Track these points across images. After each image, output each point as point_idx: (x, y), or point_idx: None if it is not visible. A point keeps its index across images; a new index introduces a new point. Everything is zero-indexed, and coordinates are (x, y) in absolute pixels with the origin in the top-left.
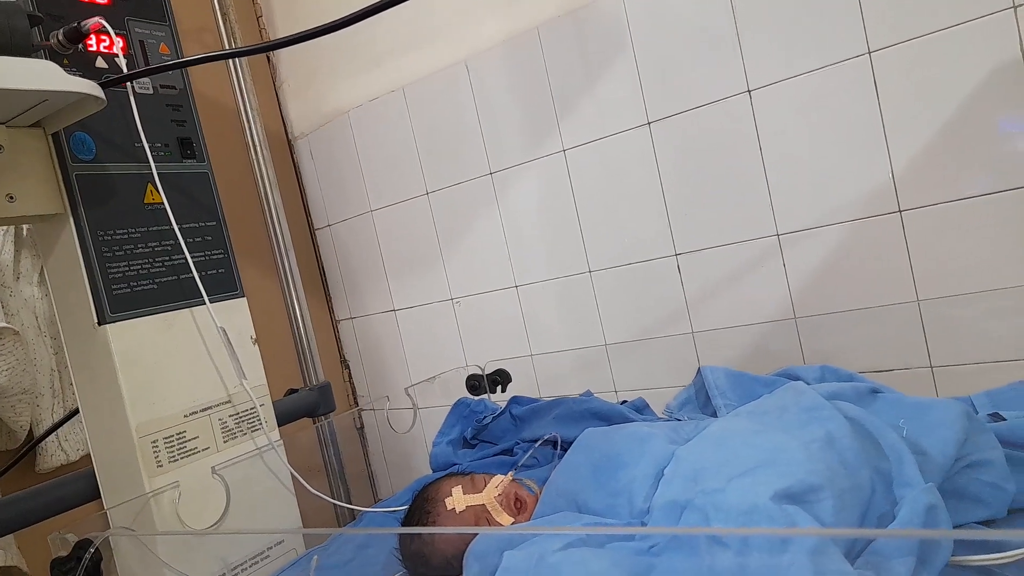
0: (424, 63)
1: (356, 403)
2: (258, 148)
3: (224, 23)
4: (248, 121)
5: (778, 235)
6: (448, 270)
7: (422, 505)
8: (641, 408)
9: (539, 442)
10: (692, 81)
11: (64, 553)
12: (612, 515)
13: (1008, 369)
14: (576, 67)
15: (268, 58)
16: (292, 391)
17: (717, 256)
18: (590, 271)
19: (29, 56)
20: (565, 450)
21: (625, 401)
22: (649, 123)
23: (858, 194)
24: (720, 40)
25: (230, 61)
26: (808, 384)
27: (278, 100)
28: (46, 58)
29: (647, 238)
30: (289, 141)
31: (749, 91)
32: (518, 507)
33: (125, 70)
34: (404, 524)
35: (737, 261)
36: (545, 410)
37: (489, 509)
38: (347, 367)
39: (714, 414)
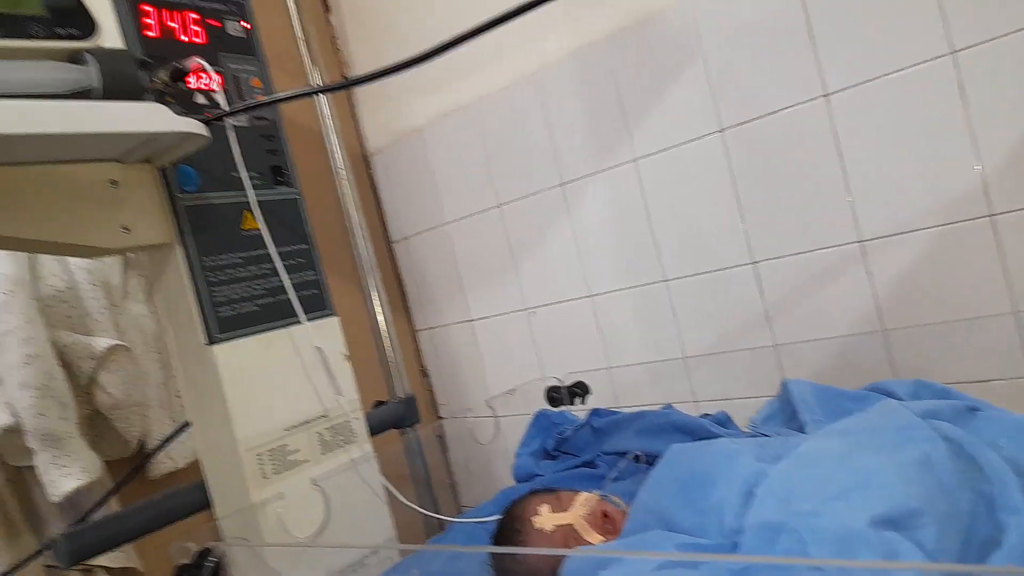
0: (493, 79)
1: (436, 411)
2: (340, 168)
3: (307, 50)
4: (331, 143)
5: (861, 242)
6: (521, 281)
7: (511, 523)
8: (724, 422)
9: (627, 457)
10: (766, 87)
11: (186, 561)
12: (701, 533)
13: None
14: (645, 77)
15: (344, 77)
16: (379, 403)
17: (797, 263)
18: (665, 280)
19: (140, 99)
20: (648, 464)
21: (707, 414)
22: (722, 130)
23: (945, 198)
24: (794, 44)
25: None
26: (901, 400)
27: (354, 119)
28: (153, 99)
29: (723, 246)
30: (365, 158)
31: (826, 95)
32: (606, 525)
33: (223, 104)
34: (494, 541)
35: (818, 268)
36: (626, 423)
37: (577, 529)
38: (426, 376)
39: (800, 429)
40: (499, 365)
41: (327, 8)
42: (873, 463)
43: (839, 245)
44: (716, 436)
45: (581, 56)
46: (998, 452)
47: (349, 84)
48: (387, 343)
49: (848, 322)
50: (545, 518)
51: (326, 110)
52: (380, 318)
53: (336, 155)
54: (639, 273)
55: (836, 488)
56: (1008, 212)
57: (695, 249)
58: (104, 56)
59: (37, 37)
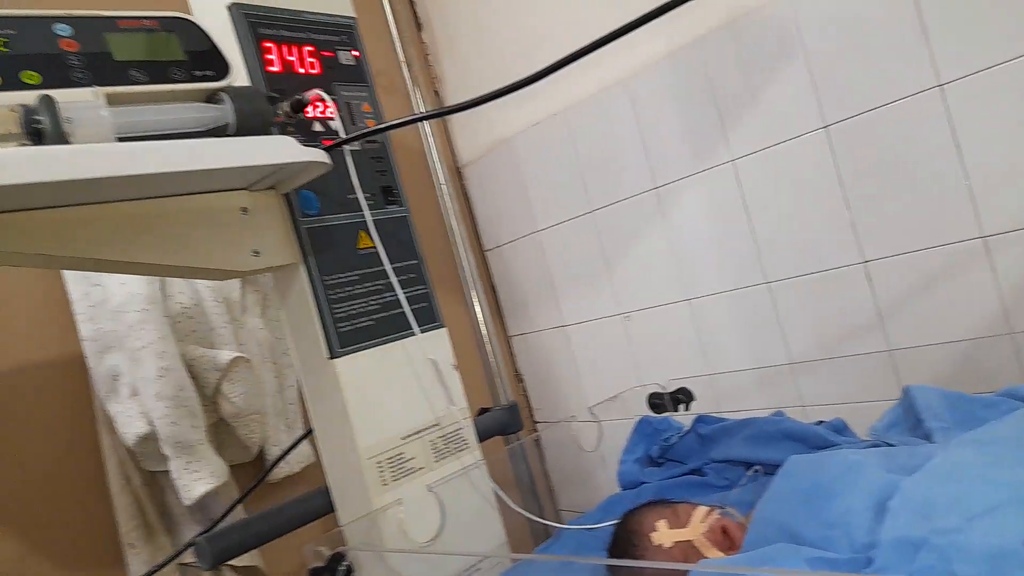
0: (584, 86)
1: (532, 416)
2: (442, 182)
3: (408, 71)
4: (432, 158)
5: (983, 237)
6: (615, 286)
7: (628, 537)
8: (840, 429)
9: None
10: (873, 79)
11: (320, 564)
12: (829, 547)
13: None
14: (741, 75)
15: (436, 92)
16: (484, 410)
17: (912, 262)
18: (767, 282)
19: (268, 132)
20: (759, 472)
21: (821, 421)
22: (826, 126)
23: None
24: (903, 34)
25: (411, 102)
26: None
27: (446, 133)
28: (277, 130)
29: (830, 245)
30: (458, 169)
31: (940, 85)
32: (726, 541)
33: (340, 130)
34: (611, 554)
35: (936, 267)
36: (735, 430)
37: (697, 545)
38: (521, 381)
39: (926, 437)
40: (594, 370)
41: (419, 26)
42: (1020, 477)
43: (959, 241)
44: (833, 444)
45: (674, 59)
46: None
47: (458, 108)
48: (489, 350)
49: (969, 324)
50: (663, 534)
51: (427, 128)
52: (482, 326)
53: (437, 170)
54: (739, 275)
55: (982, 504)
56: None
57: (799, 249)
58: (238, 94)
59: (179, 80)
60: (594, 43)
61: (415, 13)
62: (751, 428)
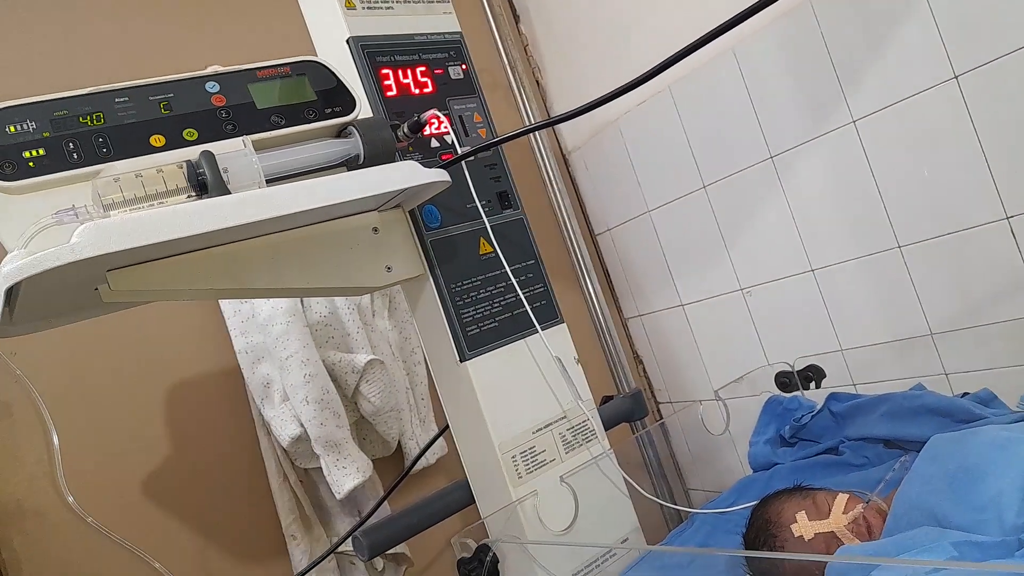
0: (689, 59)
1: (654, 398)
2: (549, 172)
3: (513, 75)
4: (538, 151)
5: None
6: (734, 260)
7: (766, 527)
8: (987, 401)
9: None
10: (1008, 20)
11: (467, 555)
12: (979, 531)
13: None
14: (858, 31)
15: (537, 82)
16: (607, 399)
17: None
18: (899, 246)
19: (393, 158)
20: (897, 449)
21: (966, 393)
22: (956, 76)
23: None
24: None
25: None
26: None
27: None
28: (400, 155)
29: (967, 202)
30: (564, 156)
31: None
32: (869, 530)
33: (455, 145)
34: (747, 544)
35: None
36: (870, 406)
37: (840, 536)
38: (641, 363)
39: None
40: (716, 349)
41: (516, 18)
42: None
43: None
44: (980, 418)
45: (785, 21)
46: None
47: (568, 116)
48: (607, 338)
49: None
50: (804, 525)
51: (530, 116)
52: (599, 313)
53: (545, 162)
54: (867, 241)
55: None
56: None
57: (933, 209)
58: (365, 127)
59: (312, 120)
60: (705, 37)
61: (512, 5)
62: (889, 404)
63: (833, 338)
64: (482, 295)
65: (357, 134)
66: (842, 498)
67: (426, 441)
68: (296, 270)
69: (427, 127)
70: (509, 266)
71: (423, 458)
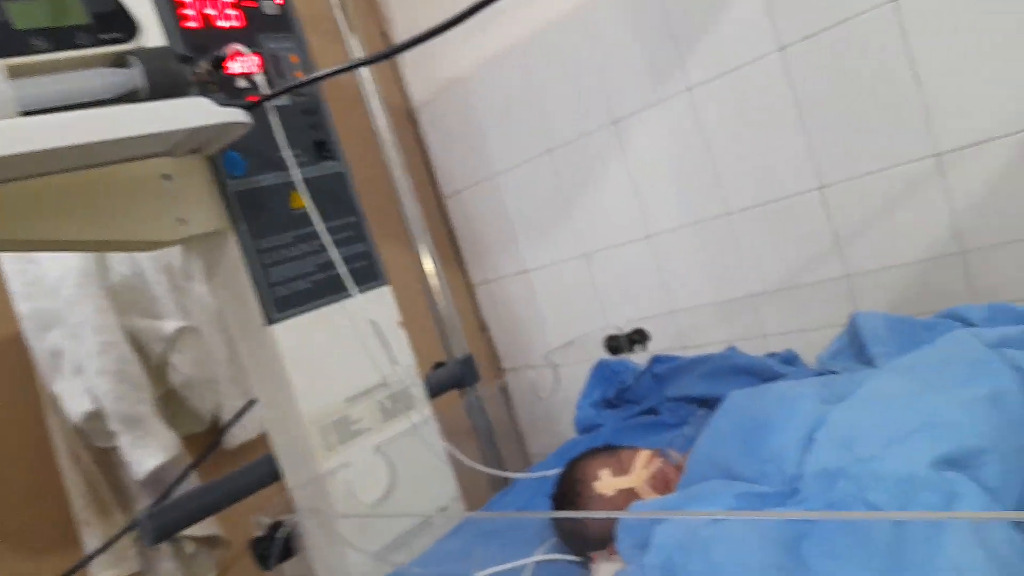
0: (535, 19)
1: (499, 365)
2: (383, 127)
3: (343, 13)
4: (371, 104)
5: (936, 155)
6: (576, 226)
7: (571, 486)
8: (791, 360)
9: (698, 413)
10: None
11: (261, 534)
12: (763, 481)
13: None
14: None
15: (384, 35)
16: (438, 365)
17: (866, 185)
18: (728, 214)
19: (185, 94)
20: (712, 408)
21: (774, 353)
22: (781, 48)
23: None
24: None
25: (348, 44)
26: (975, 327)
27: (396, 73)
28: (197, 90)
29: (787, 172)
30: (411, 112)
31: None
32: (666, 484)
33: (263, 86)
34: (555, 502)
35: (890, 189)
36: (688, 368)
37: (639, 492)
38: (486, 330)
39: (870, 363)
40: (559, 315)
41: None
42: (938, 402)
43: (913, 161)
44: (782, 376)
45: None
46: None
47: (391, 53)
48: (441, 303)
49: (924, 245)
50: (606, 482)
51: (365, 72)
52: (433, 279)
53: (377, 116)
54: (699, 208)
55: (899, 430)
56: None
57: (758, 178)
58: (148, 56)
59: (84, 46)
60: None
61: None
62: (704, 365)
63: (666, 302)
64: (294, 253)
65: (137, 63)
66: (644, 455)
67: (247, 415)
68: (68, 221)
69: (230, 63)
70: (326, 222)
71: (245, 432)
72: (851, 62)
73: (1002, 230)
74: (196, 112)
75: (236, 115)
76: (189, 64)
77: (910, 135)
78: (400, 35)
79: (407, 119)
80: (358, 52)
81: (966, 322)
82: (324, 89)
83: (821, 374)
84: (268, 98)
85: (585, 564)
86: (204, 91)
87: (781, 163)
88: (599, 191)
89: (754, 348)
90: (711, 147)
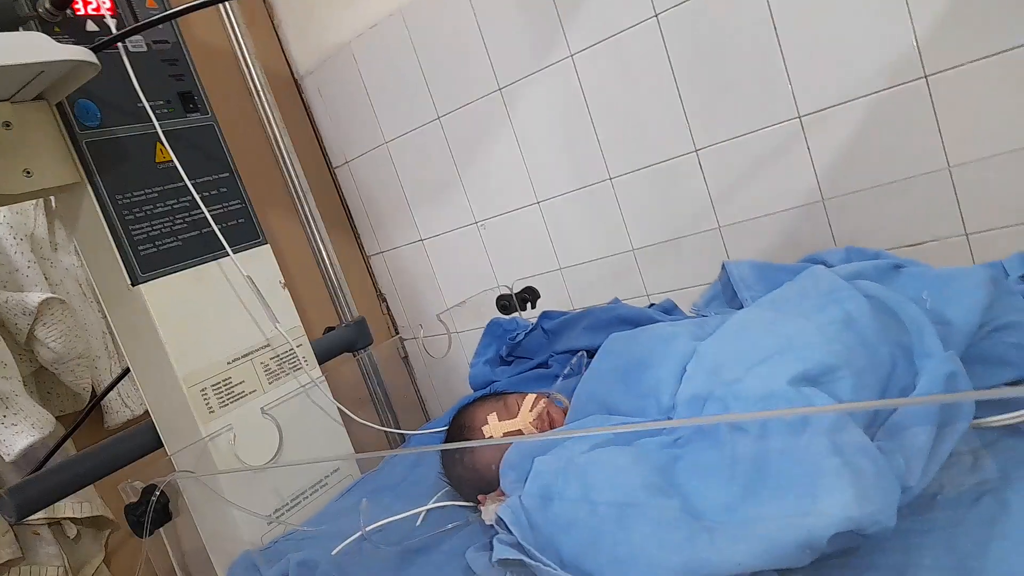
0: None
1: (399, 334)
2: (261, 91)
3: None
4: (247, 64)
5: (800, 117)
6: (469, 194)
7: (460, 433)
8: (669, 310)
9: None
10: None
11: (135, 499)
12: (641, 415)
13: None
14: None
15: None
16: (330, 329)
17: (739, 146)
18: (611, 178)
19: (18, 29)
20: (583, 357)
21: (653, 304)
22: (656, 15)
23: (881, 64)
24: None
25: (222, 7)
26: (832, 267)
27: (279, 40)
28: (37, 29)
29: (665, 137)
30: (296, 80)
31: None
32: (552, 424)
33: (114, 30)
34: (445, 451)
35: (760, 149)
36: (574, 321)
37: (525, 433)
38: (384, 300)
39: (741, 307)
40: (455, 282)
41: None
42: (795, 326)
43: (779, 123)
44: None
45: None
46: (920, 305)
47: None
48: (329, 268)
49: (792, 199)
50: (494, 426)
51: (239, 29)
52: (319, 244)
53: (256, 78)
54: (584, 173)
55: (760, 354)
56: (942, 72)
57: (638, 143)
58: None
59: None
60: None
61: None
62: (590, 318)
63: (556, 264)
64: (160, 209)
65: None
66: (530, 398)
67: (129, 390)
68: None
69: (77, 4)
70: (197, 178)
71: (128, 410)
72: (719, 29)
73: (860, 182)
74: (32, 47)
75: (77, 52)
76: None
77: (776, 100)
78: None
79: (292, 88)
80: (233, 10)
81: (826, 264)
82: (195, 43)
83: (695, 319)
84: (117, 38)
85: (475, 508)
86: (47, 33)
87: (659, 128)
88: (489, 158)
89: (639, 302)
90: (593, 114)
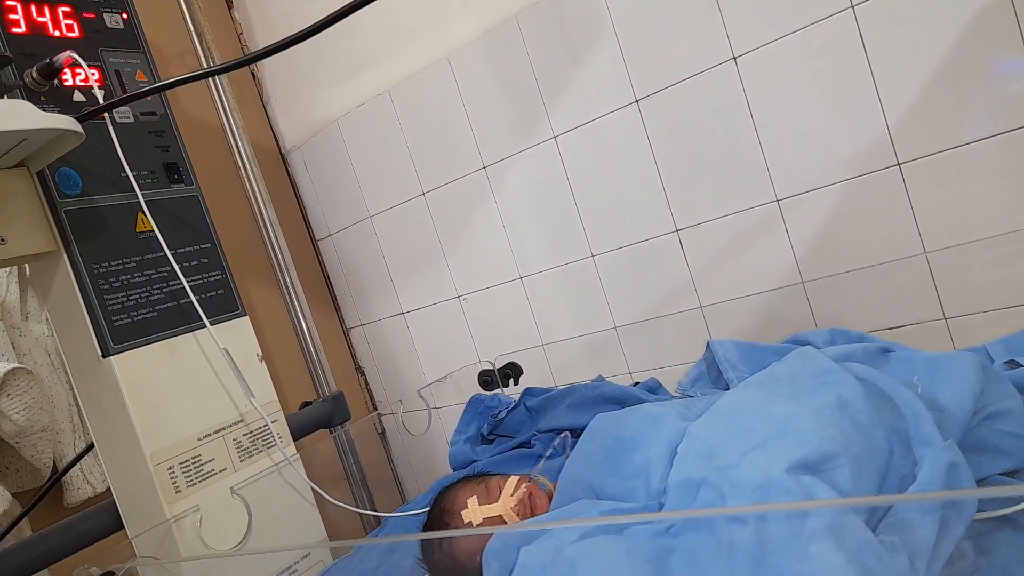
0: (407, 64)
1: (376, 410)
2: (247, 164)
3: (201, 44)
4: (234, 138)
5: (778, 200)
6: (452, 268)
7: (439, 516)
8: (654, 388)
9: (561, 435)
10: (676, 54)
11: None
12: (630, 499)
13: (1022, 314)
14: (558, 52)
15: (253, 74)
16: (306, 404)
17: (718, 228)
18: (592, 255)
19: (2, 97)
20: (567, 437)
21: (638, 383)
22: (637, 100)
23: (855, 150)
24: (701, 9)
25: (210, 81)
26: (818, 348)
27: (267, 115)
28: (23, 98)
29: (646, 217)
30: (283, 155)
31: (735, 58)
32: (534, 509)
33: (102, 102)
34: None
35: (739, 231)
36: (558, 399)
37: (506, 519)
38: (363, 374)
39: (727, 388)
40: (435, 356)
41: (230, 4)
42: (789, 410)
43: (758, 206)
44: (646, 403)
45: (493, 35)
46: (912, 389)
47: (240, 63)
48: (308, 342)
49: (771, 280)
50: (474, 511)
51: (228, 104)
52: (299, 316)
53: (243, 151)
54: (566, 251)
55: (754, 439)
56: (914, 160)
57: (619, 222)
58: None
59: None
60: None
61: None
62: (574, 396)
63: (539, 341)
64: (137, 279)
65: None
66: (512, 480)
67: (92, 464)
68: None
69: (65, 74)
70: (178, 248)
71: (90, 487)
72: (699, 116)
73: (839, 266)
74: (17, 115)
75: (63, 122)
76: (11, 66)
77: (754, 183)
78: (268, 75)
79: (279, 163)
80: (222, 86)
81: (811, 346)
82: (183, 115)
83: (681, 399)
84: (103, 108)
85: None
86: (33, 100)
87: (640, 208)
88: (473, 234)
89: (620, 380)
90: (575, 193)
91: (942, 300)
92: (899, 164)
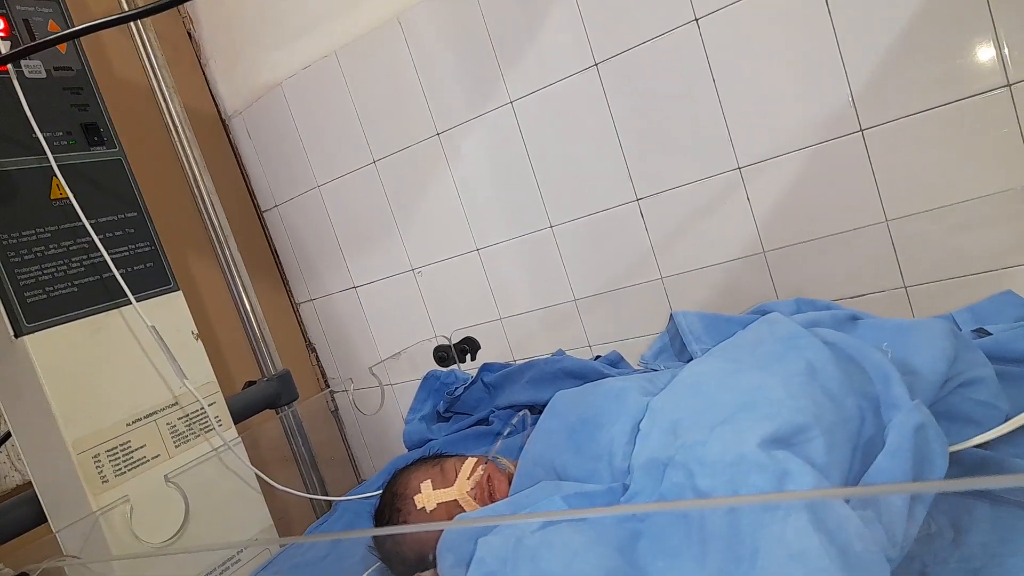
0: (355, 24)
1: (328, 387)
2: (180, 128)
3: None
4: (164, 100)
5: (739, 168)
6: (405, 240)
7: (392, 502)
8: (616, 362)
9: (520, 412)
10: (637, 15)
11: None
12: (594, 480)
13: (985, 282)
14: (514, 12)
15: (189, 34)
16: (250, 383)
17: (679, 197)
18: (551, 226)
19: None
20: (526, 415)
21: (599, 356)
22: (596, 64)
23: (818, 117)
24: None
25: (139, 38)
26: None
27: (206, 78)
28: None
29: (606, 185)
30: (223, 120)
31: (696, 19)
32: (495, 493)
33: (4, 52)
34: (376, 522)
35: (700, 199)
36: (517, 374)
37: (462, 504)
38: (314, 351)
39: (690, 360)
40: (389, 331)
41: None
42: (757, 380)
43: (719, 174)
44: (608, 378)
45: None
46: (882, 353)
47: (163, 6)
48: (251, 317)
49: (733, 250)
50: (428, 495)
51: (156, 62)
52: (240, 291)
53: (174, 115)
54: (525, 221)
55: (721, 412)
56: (877, 126)
57: (578, 191)
58: None
59: None
60: None
61: None
62: (533, 371)
63: (497, 314)
64: (53, 251)
65: None
66: (470, 462)
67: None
68: None
69: None
70: (99, 217)
71: (18, 474)
72: (660, 81)
73: (801, 234)
74: None
75: None
76: None
77: (715, 151)
78: (206, 36)
79: (219, 128)
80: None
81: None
82: (107, 78)
83: (645, 373)
84: (6, 60)
85: None
86: None
87: (600, 177)
88: (427, 204)
89: (581, 354)
90: (534, 162)
91: (903, 268)
92: (862, 130)
